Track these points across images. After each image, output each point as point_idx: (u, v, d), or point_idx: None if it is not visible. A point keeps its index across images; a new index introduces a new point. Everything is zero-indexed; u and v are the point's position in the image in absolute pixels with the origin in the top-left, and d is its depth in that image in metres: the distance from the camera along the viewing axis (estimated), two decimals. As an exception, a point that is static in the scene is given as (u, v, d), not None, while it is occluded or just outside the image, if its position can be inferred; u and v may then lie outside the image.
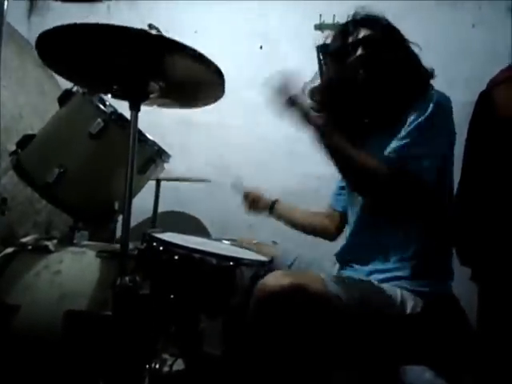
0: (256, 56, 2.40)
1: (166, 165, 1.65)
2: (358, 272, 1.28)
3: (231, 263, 1.11)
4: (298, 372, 1.07)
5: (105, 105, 1.44)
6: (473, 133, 1.55)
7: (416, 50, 1.31)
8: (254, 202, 1.67)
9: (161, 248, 1.13)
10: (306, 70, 1.25)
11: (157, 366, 1.09)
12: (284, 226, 1.64)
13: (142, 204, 1.54)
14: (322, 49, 1.30)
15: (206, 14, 2.42)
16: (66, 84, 1.47)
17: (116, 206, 1.45)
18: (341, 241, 1.46)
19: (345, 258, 1.35)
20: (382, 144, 1.21)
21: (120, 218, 1.35)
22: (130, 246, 1.12)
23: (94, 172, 1.48)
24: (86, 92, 1.46)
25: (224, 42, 2.32)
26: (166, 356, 1.12)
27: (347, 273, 1.32)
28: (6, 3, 1.07)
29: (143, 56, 1.07)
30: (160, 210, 2.18)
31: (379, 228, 1.26)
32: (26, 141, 1.52)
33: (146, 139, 1.51)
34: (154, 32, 1.03)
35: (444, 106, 1.20)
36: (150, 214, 2.16)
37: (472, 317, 1.32)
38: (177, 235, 1.32)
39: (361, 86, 1.25)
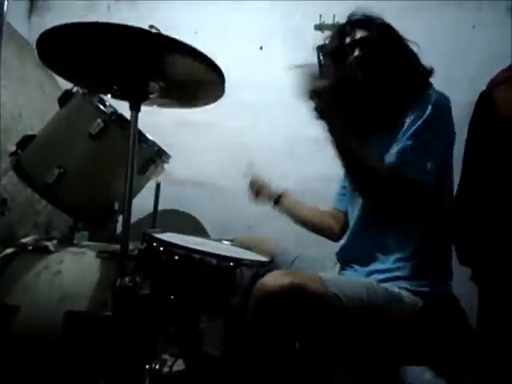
0: (256, 56, 2.40)
1: (165, 165, 1.65)
2: (358, 273, 1.28)
3: (231, 263, 1.11)
4: (298, 372, 1.07)
5: (105, 105, 1.44)
6: (473, 133, 1.55)
7: (415, 48, 1.30)
8: (259, 191, 1.65)
9: (161, 248, 1.13)
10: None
11: (157, 367, 1.09)
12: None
13: (142, 204, 1.54)
14: (321, 49, 1.30)
15: (206, 14, 2.41)
16: (66, 84, 1.47)
17: (116, 206, 1.45)
18: (341, 241, 1.46)
19: (345, 257, 1.35)
20: (381, 144, 1.21)
21: (120, 218, 1.35)
22: (130, 246, 1.12)
23: (94, 172, 1.48)
24: (86, 92, 1.46)
25: (224, 42, 2.31)
26: (166, 356, 1.12)
27: (347, 273, 1.32)
28: (6, 3, 1.07)
29: (143, 55, 1.07)
30: (160, 209, 2.18)
31: (379, 228, 1.26)
32: (25, 141, 1.52)
33: (146, 139, 1.51)
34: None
35: (443, 106, 1.20)
36: (150, 214, 2.16)
37: (472, 317, 1.31)
38: (177, 235, 1.32)
39: (360, 87, 1.25)
